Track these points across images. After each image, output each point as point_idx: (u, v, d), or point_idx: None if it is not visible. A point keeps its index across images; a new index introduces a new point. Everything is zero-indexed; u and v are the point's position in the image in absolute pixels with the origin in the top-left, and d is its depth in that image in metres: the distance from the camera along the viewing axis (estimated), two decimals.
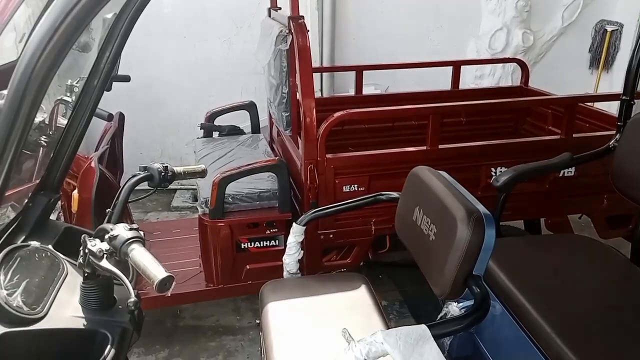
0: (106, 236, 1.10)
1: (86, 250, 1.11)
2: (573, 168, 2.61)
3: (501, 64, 4.37)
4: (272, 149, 3.26)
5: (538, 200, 2.70)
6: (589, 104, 3.13)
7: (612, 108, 4.00)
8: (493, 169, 2.59)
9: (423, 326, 1.27)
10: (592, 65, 4.69)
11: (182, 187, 4.33)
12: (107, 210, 1.52)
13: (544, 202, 2.72)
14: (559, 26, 4.51)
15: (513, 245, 2.17)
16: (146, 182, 1.60)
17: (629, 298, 1.87)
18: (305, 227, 1.99)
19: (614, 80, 4.61)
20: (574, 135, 2.65)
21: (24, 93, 0.88)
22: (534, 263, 2.10)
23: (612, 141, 2.31)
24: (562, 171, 2.62)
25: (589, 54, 4.67)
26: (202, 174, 1.67)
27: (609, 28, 4.46)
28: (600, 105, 3.14)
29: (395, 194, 1.92)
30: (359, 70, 3.38)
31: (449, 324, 1.34)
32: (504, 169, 2.55)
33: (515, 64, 3.91)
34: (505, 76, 4.41)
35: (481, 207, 1.45)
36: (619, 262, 2.06)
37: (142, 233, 1.13)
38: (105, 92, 1.53)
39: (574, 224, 2.91)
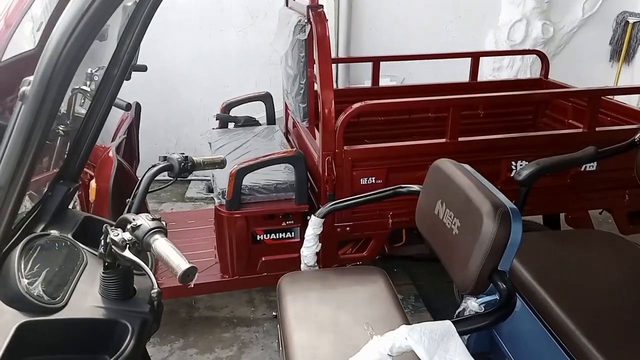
0: (128, 226, 1.09)
1: (108, 240, 1.10)
2: (595, 162, 2.56)
3: (520, 56, 4.29)
4: (288, 140, 3.24)
5: (558, 195, 2.65)
6: (609, 97, 3.06)
7: (632, 101, 3.94)
8: (513, 163, 2.55)
9: (448, 322, 1.24)
10: (612, 58, 4.60)
11: (196, 177, 4.32)
12: (127, 200, 1.51)
13: (565, 197, 2.68)
14: (580, 18, 4.43)
15: (533, 240, 2.13)
16: (165, 173, 1.58)
17: None
18: (323, 220, 1.97)
19: (635, 73, 4.52)
20: (597, 129, 2.59)
21: (49, 83, 0.86)
22: (556, 258, 2.06)
23: (638, 135, 2.25)
24: (584, 165, 2.57)
25: (609, 46, 4.58)
26: (222, 164, 1.65)
27: (631, 20, 4.36)
28: (619, 98, 3.07)
29: (415, 187, 1.89)
30: (376, 61, 3.34)
31: (475, 320, 1.31)
32: (524, 162, 2.51)
33: (535, 55, 3.85)
34: (524, 68, 4.34)
35: (507, 201, 1.42)
36: None
37: (164, 223, 1.12)
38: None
39: (593, 219, 2.86)
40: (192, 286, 1.02)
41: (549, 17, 4.36)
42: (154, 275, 1.12)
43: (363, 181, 2.41)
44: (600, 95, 2.66)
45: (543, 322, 1.80)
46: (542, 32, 4.31)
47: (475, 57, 3.48)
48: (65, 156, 1.53)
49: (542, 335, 1.81)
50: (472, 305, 2.07)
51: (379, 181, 2.42)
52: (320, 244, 2.01)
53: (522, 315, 1.89)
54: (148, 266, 1.11)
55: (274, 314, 2.69)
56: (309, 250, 1.98)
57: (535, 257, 1.99)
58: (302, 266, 2.03)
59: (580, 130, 2.63)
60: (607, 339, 1.58)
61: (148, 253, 1.17)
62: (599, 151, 2.27)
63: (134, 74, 2.60)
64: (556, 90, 3.22)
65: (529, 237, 2.15)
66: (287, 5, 3.08)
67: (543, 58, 3.58)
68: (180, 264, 1.01)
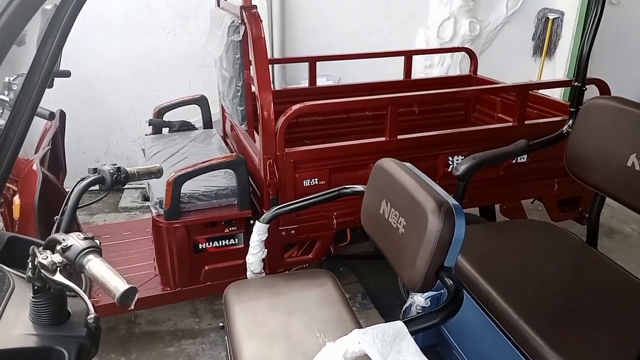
0: (58, 247, 1.00)
1: (35, 263, 1.01)
2: (526, 154, 2.67)
3: (450, 53, 4.42)
4: (227, 144, 3.16)
5: (493, 187, 2.75)
6: (535, 90, 3.21)
7: (554, 93, 4.16)
8: (450, 158, 2.61)
9: (400, 322, 1.24)
10: (535, 53, 4.85)
11: (130, 186, 4.14)
12: (55, 218, 1.40)
13: (499, 189, 2.77)
14: (504, 15, 4.63)
15: (473, 233, 2.18)
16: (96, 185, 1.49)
17: (589, 280, 1.93)
18: (268, 225, 1.93)
19: (557, 67, 4.79)
20: (526, 122, 2.70)
21: None
22: (495, 249, 2.12)
23: (565, 127, 2.36)
24: (516, 158, 2.67)
25: (532, 42, 4.82)
26: (158, 174, 1.58)
27: (551, 16, 4.61)
28: (542, 92, 3.22)
29: (359, 187, 1.88)
30: (312, 61, 3.32)
31: (425, 319, 1.32)
32: (460, 157, 2.58)
33: (464, 52, 3.98)
34: (454, 65, 4.47)
35: (450, 198, 1.43)
36: (576, 245, 2.12)
37: (98, 242, 1.04)
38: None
39: (525, 209, 2.99)
40: (132, 307, 0.96)
41: (476, 15, 4.52)
42: (89, 294, 1.05)
43: (306, 183, 2.39)
44: (529, 89, 2.77)
45: (487, 312, 1.85)
46: (469, 30, 4.46)
47: (408, 56, 3.54)
48: None
49: (486, 326, 1.86)
50: (419, 300, 2.11)
51: (322, 182, 2.41)
52: (266, 250, 1.97)
53: (467, 308, 1.93)
54: (82, 288, 1.03)
55: (220, 324, 2.61)
56: (254, 257, 1.93)
57: (476, 249, 2.05)
58: (249, 274, 1.97)
59: (511, 124, 2.73)
60: (549, 326, 1.65)
61: (83, 274, 1.09)
62: (530, 144, 2.36)
63: (56, 80, 2.44)
64: (488, 87, 3.34)
65: (468, 231, 2.21)
66: (218, 5, 3.00)
67: (472, 55, 3.70)
68: (118, 285, 0.94)
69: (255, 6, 2.33)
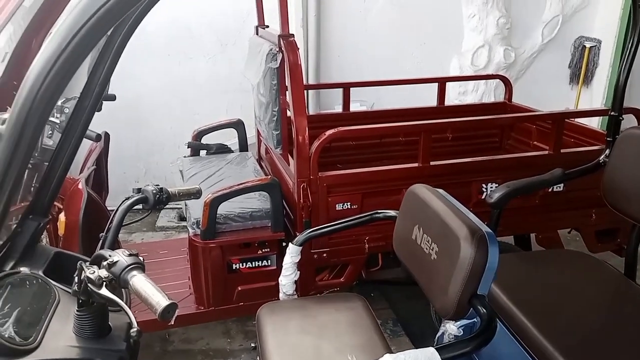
0: (104, 263, 1.05)
1: (82, 278, 1.06)
2: (562, 183, 2.63)
3: (484, 80, 4.42)
4: (261, 167, 3.23)
5: (528, 216, 2.71)
6: (572, 119, 3.17)
7: (592, 122, 4.09)
8: (484, 185, 2.60)
9: (431, 349, 1.24)
10: (572, 81, 4.79)
11: (167, 206, 4.24)
12: (100, 235, 1.47)
13: (534, 217, 2.74)
14: (539, 43, 4.61)
15: (508, 262, 2.17)
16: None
17: (627, 313, 1.88)
18: (301, 247, 1.96)
19: (594, 96, 4.71)
20: (562, 151, 2.67)
21: (27, 119, 0.84)
22: (531, 279, 2.09)
23: (602, 156, 2.33)
24: (552, 187, 2.63)
25: (568, 69, 4.77)
26: (197, 194, 1.63)
27: (588, 44, 4.57)
28: (580, 120, 3.18)
29: (392, 212, 1.90)
30: (347, 87, 3.38)
31: (457, 346, 1.31)
32: (494, 185, 2.56)
33: (499, 80, 3.97)
34: (488, 92, 4.47)
35: (483, 225, 1.44)
36: (613, 276, 2.07)
37: (141, 259, 1.09)
38: None
39: (562, 239, 2.93)
40: (172, 323, 1.00)
41: (510, 43, 4.52)
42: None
43: (338, 206, 2.42)
44: (564, 118, 2.75)
45: (521, 343, 1.82)
46: (504, 57, 4.46)
47: (442, 83, 3.56)
48: (33, 189, 1.48)
49: (520, 356, 1.83)
50: (451, 328, 2.08)
51: (354, 206, 2.43)
52: (298, 272, 1.99)
53: (501, 338, 1.91)
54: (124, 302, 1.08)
55: (252, 345, 2.64)
56: (287, 279, 1.96)
57: (510, 278, 2.02)
58: (281, 295, 2.00)
59: (546, 152, 2.70)
60: (583, 358, 1.61)
61: (124, 290, 1.13)
62: (566, 173, 2.34)
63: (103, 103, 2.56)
64: (523, 114, 3.32)
65: (502, 259, 2.18)
66: (257, 34, 3.11)
67: (506, 82, 3.70)
68: (160, 301, 0.98)
69: (293, 35, 2.41)
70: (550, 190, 2.66)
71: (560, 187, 2.68)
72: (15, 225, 1.38)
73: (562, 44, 4.67)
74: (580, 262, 2.18)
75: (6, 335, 1.03)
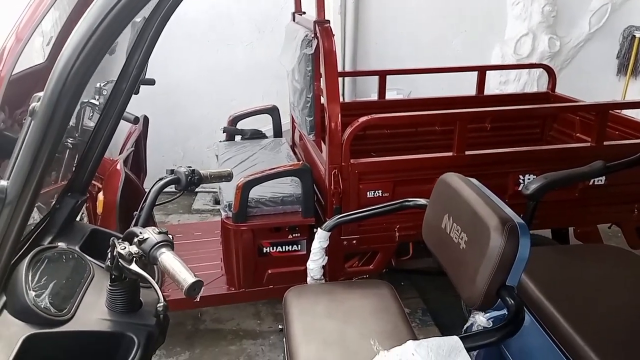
0: (135, 239, 1.09)
1: (115, 253, 1.10)
2: (604, 176, 2.54)
3: (527, 70, 4.30)
4: (295, 153, 3.24)
5: (567, 209, 2.64)
6: (617, 110, 3.05)
7: (639, 115, 3.92)
8: (521, 176, 2.53)
9: (455, 338, 1.23)
10: (620, 72, 4.60)
11: (202, 190, 4.33)
12: (134, 213, 1.52)
13: (573, 211, 2.66)
14: (586, 32, 4.44)
15: (543, 255, 2.12)
16: (172, 185, 1.59)
17: None
18: (330, 233, 1.97)
19: None
20: (605, 143, 2.58)
21: (59, 99, 0.87)
22: (565, 273, 2.04)
23: None
24: (593, 180, 2.55)
25: (616, 60, 4.58)
26: (229, 177, 1.66)
27: (638, 34, 4.37)
28: (627, 112, 3.06)
29: (422, 201, 1.88)
30: (383, 75, 3.35)
31: (483, 336, 1.30)
32: (532, 176, 2.50)
33: (542, 69, 3.85)
34: (530, 82, 4.34)
35: (515, 216, 1.41)
36: None
37: (171, 237, 1.12)
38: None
39: (602, 234, 2.84)
40: (198, 299, 1.02)
41: (556, 31, 4.37)
42: (160, 288, 1.12)
43: (369, 194, 2.41)
44: (608, 109, 2.65)
45: (552, 337, 1.78)
46: (548, 46, 4.31)
47: (481, 71, 3.48)
48: (74, 169, 1.54)
49: (550, 351, 1.79)
50: (480, 320, 2.05)
51: (386, 194, 2.42)
52: (326, 257, 2.00)
53: (531, 331, 1.87)
54: (154, 279, 1.11)
55: (280, 327, 2.67)
56: (315, 263, 1.97)
57: (544, 271, 1.98)
58: (309, 279, 2.02)
59: (589, 144, 2.61)
60: (616, 355, 1.56)
61: (154, 266, 1.17)
62: (608, 165, 2.26)
63: (142, 87, 2.63)
64: (564, 104, 3.21)
65: (537, 252, 2.14)
66: (294, 20, 3.11)
67: (550, 72, 3.58)
68: (187, 277, 1.00)
69: (328, 21, 2.40)
70: (590, 183, 2.58)
71: (601, 180, 2.59)
72: (54, 202, 1.44)
73: (611, 33, 4.48)
74: (618, 258, 2.11)
75: (42, 306, 1.08)
